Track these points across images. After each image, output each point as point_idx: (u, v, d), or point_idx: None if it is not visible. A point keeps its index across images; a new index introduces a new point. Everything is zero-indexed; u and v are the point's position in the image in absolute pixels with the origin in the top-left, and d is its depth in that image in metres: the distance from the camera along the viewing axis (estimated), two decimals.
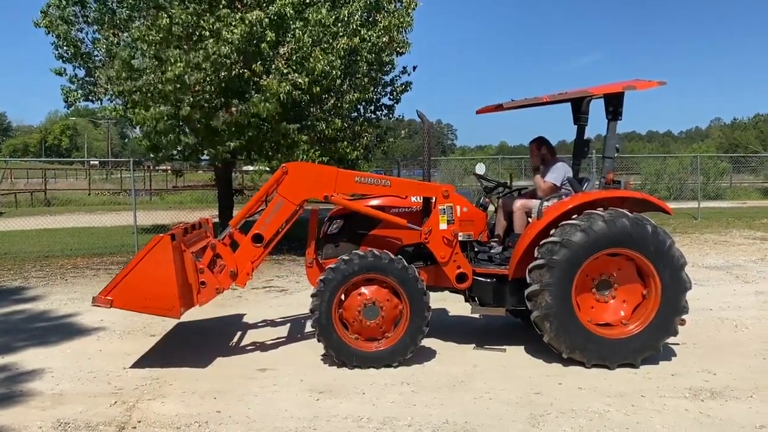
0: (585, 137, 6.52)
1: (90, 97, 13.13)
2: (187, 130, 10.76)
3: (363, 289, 5.48)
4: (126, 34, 11.23)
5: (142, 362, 5.81)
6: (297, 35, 10.31)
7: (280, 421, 4.43)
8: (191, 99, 10.30)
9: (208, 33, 10.06)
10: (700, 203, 18.70)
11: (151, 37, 10.15)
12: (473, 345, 6.19)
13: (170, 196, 30.51)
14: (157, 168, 37.31)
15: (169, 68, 10.04)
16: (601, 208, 5.50)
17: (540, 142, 6.55)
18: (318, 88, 10.57)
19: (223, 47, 10.02)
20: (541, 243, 5.51)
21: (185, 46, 10.40)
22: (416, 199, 6.01)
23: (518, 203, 6.17)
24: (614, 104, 5.84)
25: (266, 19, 10.11)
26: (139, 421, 4.44)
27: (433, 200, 5.79)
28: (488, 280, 5.92)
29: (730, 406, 4.61)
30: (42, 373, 5.51)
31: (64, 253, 12.83)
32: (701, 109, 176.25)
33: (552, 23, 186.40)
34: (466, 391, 4.96)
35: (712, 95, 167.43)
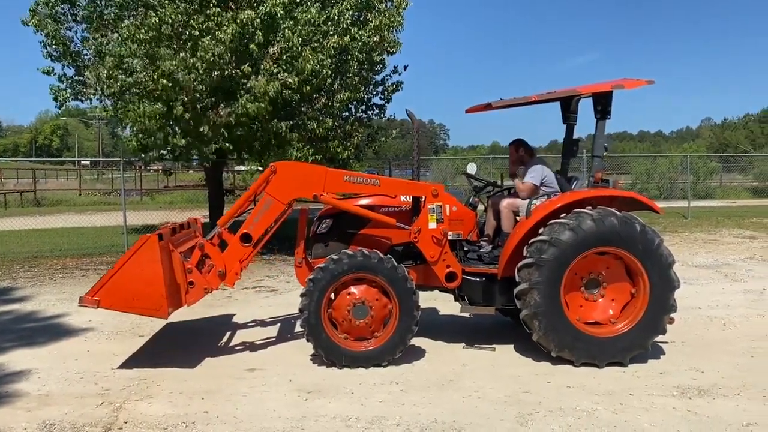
0: (574, 136, 6.55)
1: (79, 97, 13.03)
2: (177, 130, 10.69)
3: (352, 289, 5.47)
4: (116, 34, 11.14)
5: (129, 363, 5.77)
6: (287, 35, 10.27)
7: (267, 421, 4.41)
8: (186, 98, 10.25)
9: (197, 32, 10.01)
10: (690, 202, 18.80)
11: (140, 36, 10.08)
12: (463, 344, 6.19)
13: (161, 196, 30.37)
14: (148, 168, 37.18)
15: (162, 65, 10.00)
16: (590, 207, 5.51)
17: (518, 144, 6.56)
18: (308, 88, 10.54)
19: (217, 47, 9.99)
20: (530, 242, 5.51)
21: (175, 46, 10.36)
22: (406, 198, 6.00)
23: (505, 202, 6.18)
24: (603, 103, 5.86)
25: (257, 20, 10.08)
26: (126, 422, 4.41)
27: (423, 199, 5.79)
28: (477, 279, 5.92)
29: (717, 404, 4.63)
30: (28, 374, 5.47)
31: (53, 253, 12.74)
32: (692, 109, 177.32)
33: (546, 23, 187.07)
34: (455, 390, 4.96)
35: (703, 95, 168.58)
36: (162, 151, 11.95)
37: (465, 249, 6.22)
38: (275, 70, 10.36)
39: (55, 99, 12.74)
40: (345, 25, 11.03)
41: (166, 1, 10.15)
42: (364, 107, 13.61)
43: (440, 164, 28.70)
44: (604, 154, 5.93)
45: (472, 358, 5.80)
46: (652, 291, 5.46)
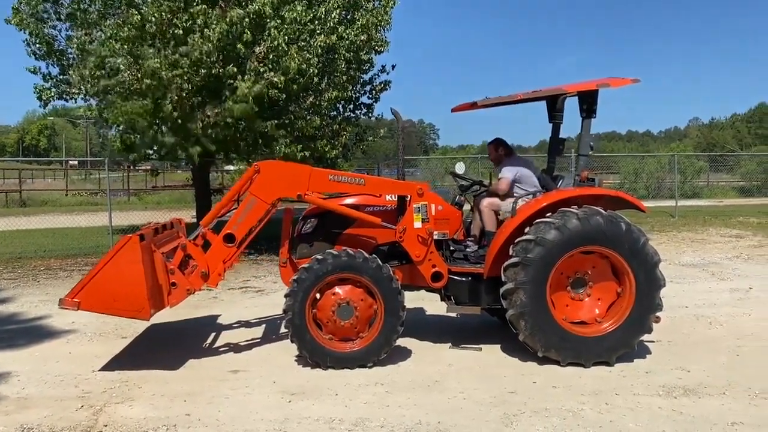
0: (560, 135, 6.54)
1: (64, 96, 12.90)
2: (164, 129, 10.59)
3: (337, 289, 5.41)
4: (99, 32, 11.03)
5: (111, 365, 5.69)
6: (273, 34, 10.20)
7: (250, 423, 4.35)
8: (175, 97, 10.15)
9: (181, 31, 9.92)
10: (677, 202, 18.89)
11: (123, 34, 9.98)
12: (449, 344, 6.16)
13: (149, 197, 30.16)
14: (136, 168, 36.92)
15: (145, 63, 9.91)
16: (576, 206, 5.49)
17: (497, 143, 6.55)
18: (295, 87, 10.48)
19: (205, 46, 9.91)
20: (516, 241, 5.49)
21: (159, 44, 10.26)
22: (391, 197, 5.95)
23: (485, 201, 6.15)
24: (588, 102, 5.84)
25: (246, 19, 10.00)
26: (106, 425, 4.34)
27: (408, 198, 5.75)
28: (463, 278, 5.89)
29: (703, 403, 4.62)
30: (7, 377, 5.37)
31: (37, 254, 12.58)
32: (680, 109, 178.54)
33: (535, 22, 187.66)
34: (441, 391, 4.92)
35: (691, 96, 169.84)
36: (148, 151, 11.85)
37: (451, 248, 6.19)
38: (261, 70, 10.28)
39: (39, 98, 12.63)
40: (332, 24, 10.97)
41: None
42: (352, 106, 13.57)
43: (429, 164, 28.72)
44: (590, 153, 5.91)
45: (458, 358, 5.76)
46: (638, 290, 5.45)
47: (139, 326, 6.80)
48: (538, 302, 5.39)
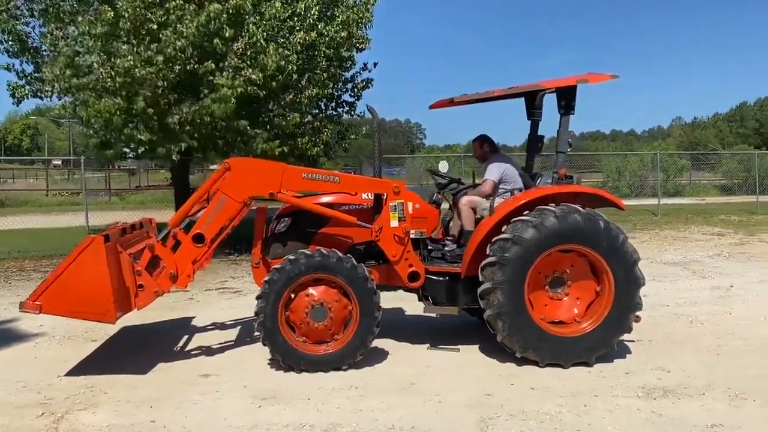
0: (539, 133, 6.45)
1: (39, 94, 12.60)
2: (140, 126, 10.37)
3: (310, 290, 5.27)
4: (72, 28, 10.79)
5: (78, 370, 5.50)
6: (251, 30, 10.03)
7: (217, 430, 4.21)
8: (147, 93, 9.95)
9: (156, 26, 9.72)
10: (660, 200, 18.94)
11: (96, 31, 9.76)
12: (427, 345, 6.04)
13: (131, 197, 29.76)
14: (117, 167, 36.42)
15: (118, 61, 9.70)
16: (554, 204, 5.39)
17: (482, 140, 6.45)
18: (274, 84, 10.31)
19: (178, 41, 9.71)
20: (493, 240, 5.38)
21: (134, 41, 10.05)
22: (367, 196, 5.82)
23: (464, 199, 6.04)
24: (567, 98, 5.73)
25: (224, 15, 9.81)
26: None
27: (385, 197, 5.62)
28: (441, 278, 5.78)
29: (682, 405, 4.54)
30: None
31: (11, 255, 12.29)
32: (663, 108, 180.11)
33: (522, 22, 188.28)
34: (416, 394, 4.79)
35: (674, 95, 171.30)
36: (125, 149, 11.62)
37: (429, 248, 6.07)
38: (240, 66, 10.10)
39: (13, 96, 12.30)
40: (311, 21, 10.81)
41: None
42: (334, 104, 13.42)
43: (414, 162, 28.61)
44: (568, 150, 5.81)
45: (435, 359, 5.64)
46: (617, 289, 5.36)
47: (110, 329, 6.60)
48: (515, 302, 5.28)
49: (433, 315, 6.98)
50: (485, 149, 6.38)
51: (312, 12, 10.83)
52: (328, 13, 11.63)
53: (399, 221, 5.54)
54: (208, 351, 6.00)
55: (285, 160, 10.57)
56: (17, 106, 13.31)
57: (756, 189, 19.97)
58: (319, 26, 11.01)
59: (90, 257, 4.88)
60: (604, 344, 5.39)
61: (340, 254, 5.26)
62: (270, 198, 5.41)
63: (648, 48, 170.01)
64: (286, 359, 5.23)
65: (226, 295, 8.73)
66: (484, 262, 5.37)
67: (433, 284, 5.77)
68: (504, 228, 5.38)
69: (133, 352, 6.00)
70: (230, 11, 10.02)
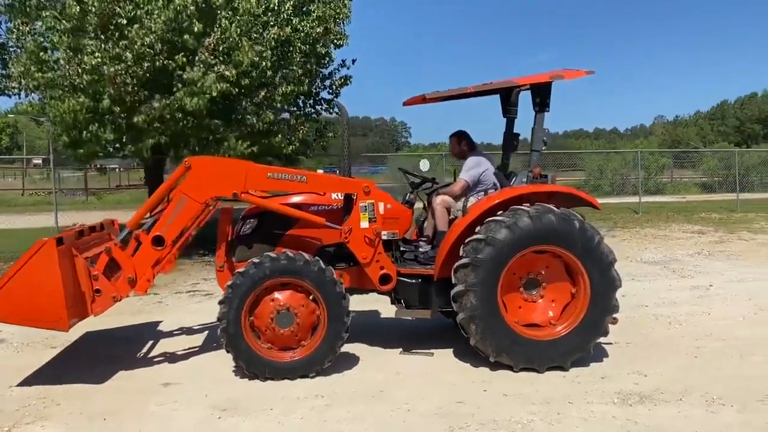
0: (515, 131, 6.28)
1: (6, 91, 12.23)
2: (107, 125, 10.06)
3: (276, 295, 5.05)
4: (39, 23, 10.45)
5: (32, 379, 5.24)
6: (224, 25, 9.76)
7: None
8: (112, 92, 9.67)
9: (125, 21, 9.43)
10: (641, 198, 18.93)
11: (62, 26, 9.45)
12: (400, 349, 5.86)
13: (109, 196, 29.26)
14: (100, 166, 35.81)
15: (85, 58, 9.40)
16: (528, 204, 5.23)
17: (459, 136, 6.26)
18: (248, 81, 10.05)
19: (146, 37, 9.43)
20: (466, 241, 5.20)
21: (102, 36, 9.74)
22: (337, 196, 5.62)
23: (438, 199, 5.86)
24: (542, 95, 5.57)
25: (192, 7, 9.54)
26: None
27: (355, 197, 5.41)
28: (413, 281, 5.59)
29: (658, 411, 4.39)
30: None
31: None
32: (646, 107, 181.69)
33: (505, 21, 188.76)
34: (384, 402, 4.60)
35: (656, 94, 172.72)
36: (96, 148, 11.29)
37: (402, 249, 5.89)
38: (212, 62, 9.83)
39: None
40: (286, 16, 10.57)
41: None
42: (312, 101, 13.19)
43: (396, 161, 28.38)
44: (544, 148, 5.65)
45: (407, 365, 5.46)
46: (593, 291, 5.21)
47: (72, 335, 6.31)
48: (488, 305, 5.12)
49: (409, 318, 6.79)
50: (463, 147, 6.20)
51: (286, 7, 10.58)
52: (304, 9, 11.38)
53: (369, 222, 5.34)
54: (172, 358, 5.77)
55: (260, 160, 10.34)
56: None
57: (736, 187, 20.01)
58: (294, 21, 10.77)
59: (41, 261, 4.62)
60: (579, 348, 5.24)
61: (307, 257, 5.05)
62: (233, 199, 5.18)
63: (631, 47, 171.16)
64: (250, 367, 5.02)
65: (196, 298, 8.48)
66: (456, 264, 5.20)
67: (406, 287, 5.58)
68: (477, 229, 5.21)
69: (93, 360, 5.75)
70: (200, 5, 9.74)
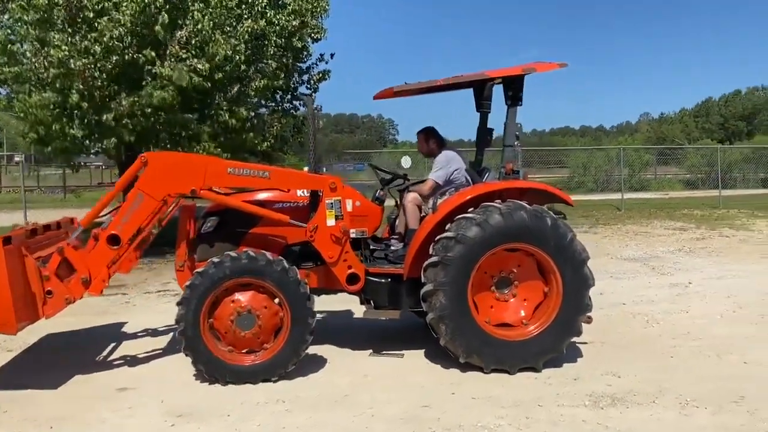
0: (489, 126, 6.12)
1: None
2: (75, 120, 9.79)
3: (237, 296, 4.85)
4: (7, 15, 10.16)
5: None
6: (196, 17, 9.52)
7: None
8: (80, 86, 9.41)
9: (92, 14, 9.16)
10: (623, 195, 18.89)
11: (30, 17, 9.17)
12: (370, 351, 5.68)
13: (89, 194, 28.80)
14: (80, 163, 35.24)
15: (52, 51, 9.14)
16: (499, 201, 5.07)
17: (427, 133, 6.08)
18: (221, 75, 9.82)
19: (115, 29, 9.17)
20: (436, 239, 5.03)
21: (69, 29, 9.48)
22: (303, 192, 5.42)
23: (410, 196, 5.69)
24: (514, 89, 5.41)
25: (160, 1, 9.29)
26: None
27: (321, 194, 5.22)
28: (383, 280, 5.41)
29: (630, 414, 4.25)
30: None
31: None
32: (632, 104, 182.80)
33: (491, 21, 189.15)
34: (348, 407, 4.42)
35: (642, 91, 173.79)
36: (65, 144, 11.01)
37: (371, 247, 5.71)
38: (184, 56, 9.59)
39: None
40: (260, 8, 10.35)
41: None
42: (290, 96, 12.98)
43: (381, 158, 28.20)
44: (516, 143, 5.49)
45: (375, 367, 5.28)
46: (566, 290, 5.05)
47: (30, 337, 6.11)
48: (458, 304, 4.95)
49: (381, 318, 6.60)
50: (431, 145, 6.02)
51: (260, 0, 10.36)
52: (279, 2, 11.16)
53: (336, 220, 5.15)
54: (133, 361, 5.56)
55: (235, 157, 10.13)
56: None
57: (718, 183, 20.04)
58: (269, 14, 10.55)
59: None
60: (552, 348, 5.09)
61: (269, 256, 4.85)
62: (192, 195, 4.97)
63: (618, 45, 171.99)
64: (210, 371, 4.82)
65: (165, 298, 8.24)
66: (426, 263, 5.03)
67: (375, 287, 5.40)
68: (448, 226, 5.04)
69: (50, 363, 5.53)
70: None
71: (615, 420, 4.15)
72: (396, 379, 4.98)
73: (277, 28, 10.83)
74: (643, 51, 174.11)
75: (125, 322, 6.95)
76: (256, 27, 10.25)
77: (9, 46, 9.66)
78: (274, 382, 4.88)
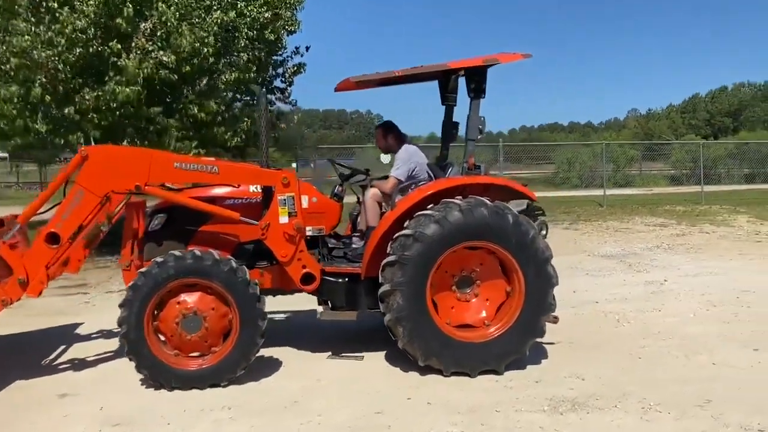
0: (454, 119, 5.92)
1: None
2: (39, 115, 9.48)
3: (183, 297, 4.62)
4: None
5: None
6: (161, 9, 9.24)
7: None
8: (44, 79, 9.11)
9: (56, 4, 8.87)
10: (605, 190, 18.76)
11: None
12: (329, 353, 5.47)
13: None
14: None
15: (14, 40, 8.84)
16: (460, 197, 4.86)
17: (385, 128, 5.87)
18: (188, 68, 9.54)
19: (78, 20, 8.88)
20: (394, 237, 4.82)
21: (33, 19, 9.18)
22: (256, 188, 5.19)
23: (370, 192, 5.48)
24: (476, 80, 5.19)
25: None
26: None
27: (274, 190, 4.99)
28: (340, 280, 5.20)
29: (590, 420, 4.06)
30: None
31: None
32: (619, 101, 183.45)
33: (479, 19, 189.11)
34: (296, 415, 4.21)
35: (630, 87, 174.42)
36: (29, 139, 10.71)
37: (330, 246, 5.49)
38: (150, 48, 9.31)
39: None
40: (230, 0, 10.08)
41: None
42: (264, 90, 12.68)
43: (365, 153, 27.93)
44: (480, 137, 5.27)
45: (332, 370, 5.07)
46: (528, 289, 4.86)
47: None
48: (416, 305, 4.75)
49: (339, 319, 6.39)
50: (389, 141, 5.81)
51: None
52: None
53: (289, 217, 4.92)
54: (79, 365, 5.31)
55: (206, 153, 9.88)
56: None
57: (701, 179, 19.97)
58: (240, 5, 10.27)
59: None
60: (514, 350, 4.90)
61: (217, 255, 4.62)
62: (137, 192, 4.73)
63: (606, 41, 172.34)
64: (154, 376, 4.59)
65: None
66: (384, 262, 4.82)
67: (331, 287, 5.19)
68: (406, 223, 4.83)
69: None
70: None
71: (573, 426, 3.97)
72: (351, 384, 4.77)
73: (249, 20, 10.56)
74: (632, 48, 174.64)
75: (81, 323, 6.70)
76: (226, 18, 9.97)
77: None
78: (224, 387, 4.66)
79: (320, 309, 5.48)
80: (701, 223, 14.18)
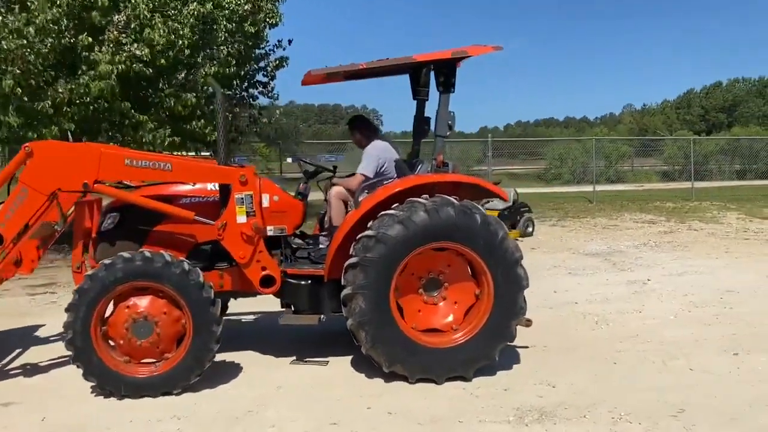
0: (425, 114, 5.70)
1: None
2: (11, 108, 9.22)
3: (133, 301, 4.40)
4: None
5: None
6: (134, 1, 8.98)
7: None
8: (17, 71, 8.85)
9: None
10: (595, 186, 18.59)
11: None
12: (293, 358, 5.26)
13: None
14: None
15: None
16: (427, 196, 4.65)
17: (353, 126, 5.67)
18: (163, 60, 9.29)
19: (49, 10, 8.62)
20: (357, 237, 4.61)
21: (2, 9, 8.91)
22: (214, 186, 4.96)
23: (334, 190, 5.26)
24: (445, 74, 4.97)
25: None
26: None
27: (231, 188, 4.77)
28: (302, 282, 4.98)
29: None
30: None
31: None
32: (615, 96, 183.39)
33: (474, 10, 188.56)
34: (248, 425, 4.00)
35: (626, 83, 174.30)
36: (2, 133, 10.43)
37: (293, 246, 5.28)
38: (124, 41, 9.05)
39: None
40: None
41: None
42: (246, 85, 12.46)
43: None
44: (449, 133, 5.05)
45: (293, 377, 4.86)
46: (497, 292, 4.65)
47: None
48: (380, 309, 4.54)
49: (314, 321, 6.18)
50: (356, 137, 5.60)
51: None
52: None
53: (247, 216, 4.70)
54: (32, 370, 5.08)
55: (186, 149, 9.64)
56: None
57: (692, 175, 19.80)
58: None
59: None
60: (483, 356, 4.69)
61: (168, 257, 4.40)
62: (85, 190, 4.50)
63: (602, 36, 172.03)
64: (103, 383, 4.37)
65: None
66: (346, 264, 4.61)
67: (293, 289, 4.98)
68: (370, 224, 4.62)
69: None
70: None
71: None
72: (311, 392, 4.56)
73: (227, 12, 10.31)
74: (628, 43, 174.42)
75: (42, 325, 6.46)
76: (203, 10, 9.71)
77: None
78: (177, 395, 4.44)
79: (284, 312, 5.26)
80: (690, 220, 14.01)
